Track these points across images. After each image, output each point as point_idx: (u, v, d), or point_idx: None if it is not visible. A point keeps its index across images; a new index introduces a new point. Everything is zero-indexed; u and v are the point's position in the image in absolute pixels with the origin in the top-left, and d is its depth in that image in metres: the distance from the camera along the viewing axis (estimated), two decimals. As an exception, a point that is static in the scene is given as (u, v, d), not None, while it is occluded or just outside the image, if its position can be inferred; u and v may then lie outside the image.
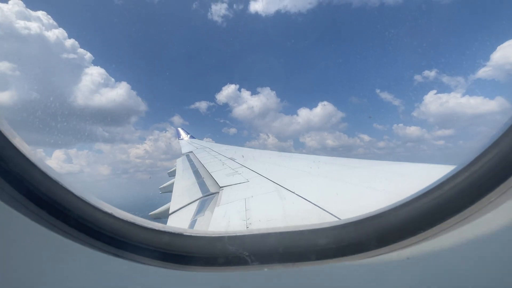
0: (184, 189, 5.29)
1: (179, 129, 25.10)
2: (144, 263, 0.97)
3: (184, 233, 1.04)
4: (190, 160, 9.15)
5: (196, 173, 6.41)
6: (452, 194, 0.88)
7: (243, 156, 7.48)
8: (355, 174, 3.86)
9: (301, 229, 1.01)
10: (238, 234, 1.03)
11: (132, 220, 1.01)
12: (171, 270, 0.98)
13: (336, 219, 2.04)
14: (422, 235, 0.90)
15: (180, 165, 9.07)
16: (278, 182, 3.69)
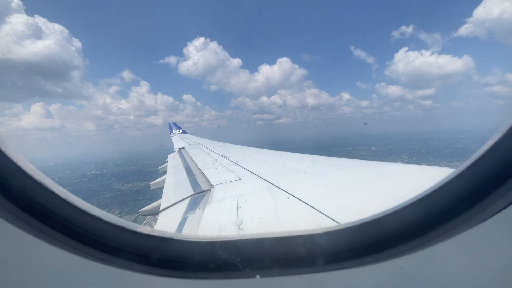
0: (175, 186, 5.25)
1: (171, 123, 24.43)
2: (132, 269, 0.94)
3: (175, 238, 1.00)
4: (182, 157, 9.06)
5: (188, 170, 6.36)
6: (448, 198, 0.84)
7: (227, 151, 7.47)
8: (344, 173, 3.95)
9: (294, 234, 0.99)
10: (230, 239, 1.00)
11: (121, 224, 0.97)
12: (160, 277, 0.95)
13: (326, 217, 2.09)
14: (415, 242, 0.87)
15: (172, 161, 8.97)
16: (271, 180, 3.72)
